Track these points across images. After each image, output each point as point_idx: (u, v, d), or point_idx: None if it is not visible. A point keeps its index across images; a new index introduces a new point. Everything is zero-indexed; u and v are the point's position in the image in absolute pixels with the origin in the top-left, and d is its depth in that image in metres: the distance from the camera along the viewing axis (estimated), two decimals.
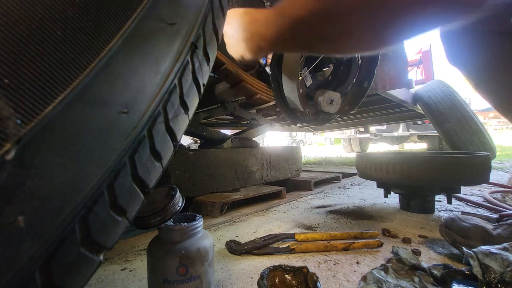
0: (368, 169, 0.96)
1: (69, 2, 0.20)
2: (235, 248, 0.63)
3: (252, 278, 0.51)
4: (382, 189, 1.01)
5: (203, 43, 0.37)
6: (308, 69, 0.82)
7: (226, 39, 0.56)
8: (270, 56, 0.87)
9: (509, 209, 0.94)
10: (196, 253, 0.38)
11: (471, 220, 0.62)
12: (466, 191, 1.28)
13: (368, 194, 1.30)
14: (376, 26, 0.36)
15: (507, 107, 0.61)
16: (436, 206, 0.96)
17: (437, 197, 1.07)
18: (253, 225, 0.85)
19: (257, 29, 0.48)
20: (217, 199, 0.99)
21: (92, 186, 0.22)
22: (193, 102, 0.36)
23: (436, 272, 0.45)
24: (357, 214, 0.95)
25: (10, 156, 0.16)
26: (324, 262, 0.58)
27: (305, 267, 0.43)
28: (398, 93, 1.63)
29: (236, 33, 0.52)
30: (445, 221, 0.64)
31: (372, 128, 4.77)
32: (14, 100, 0.17)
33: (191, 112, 0.35)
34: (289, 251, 0.62)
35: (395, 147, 5.70)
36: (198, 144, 1.41)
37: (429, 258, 0.59)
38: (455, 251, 0.61)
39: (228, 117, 1.57)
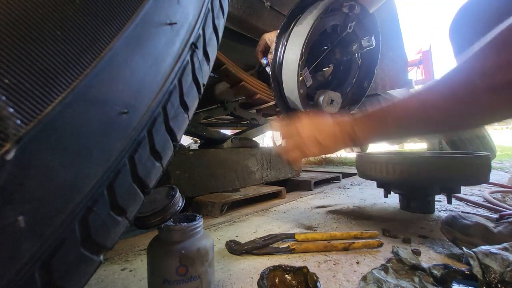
0: (368, 169, 0.96)
1: (69, 2, 0.20)
2: (235, 248, 0.63)
3: (252, 278, 0.51)
4: (382, 189, 1.01)
5: (203, 43, 0.37)
6: (308, 70, 0.82)
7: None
8: (270, 57, 0.87)
9: (509, 209, 0.94)
10: (196, 253, 0.38)
11: (472, 218, 0.62)
12: (466, 191, 1.28)
13: (368, 194, 1.30)
14: None
15: None
16: (436, 206, 0.96)
17: (437, 197, 1.07)
18: (253, 225, 0.85)
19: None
20: (217, 199, 0.99)
21: (92, 186, 0.22)
22: (193, 102, 0.36)
23: (436, 272, 0.45)
24: (357, 214, 0.95)
25: (10, 156, 0.16)
26: (324, 262, 0.58)
27: (305, 267, 0.43)
28: (398, 93, 1.63)
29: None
30: (446, 218, 0.64)
31: None
32: (14, 100, 0.17)
33: (191, 112, 0.35)
34: (289, 251, 0.62)
35: (395, 147, 5.70)
36: (198, 144, 1.41)
37: (429, 258, 0.59)
38: (455, 251, 0.61)
39: (228, 117, 1.57)
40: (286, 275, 0.43)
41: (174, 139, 0.32)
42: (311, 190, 1.43)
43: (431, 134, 0.51)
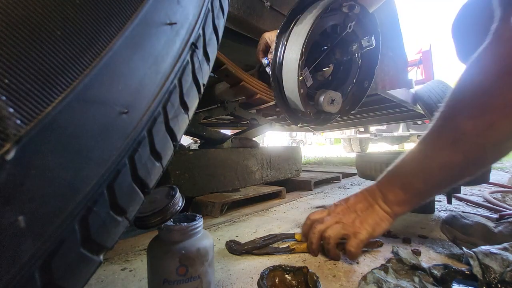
0: (368, 169, 0.96)
1: (69, 2, 0.20)
2: (235, 248, 0.63)
3: (252, 278, 0.51)
4: None
5: (203, 43, 0.37)
6: (308, 69, 0.82)
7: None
8: (270, 56, 0.87)
9: (509, 209, 0.94)
10: (196, 253, 0.38)
11: (472, 218, 0.62)
12: (466, 191, 1.28)
13: None
14: None
15: None
16: (436, 206, 0.96)
17: (437, 197, 1.07)
18: (253, 225, 0.85)
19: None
20: (217, 199, 0.99)
21: (92, 186, 0.22)
22: (193, 102, 0.36)
23: (436, 272, 0.45)
24: None
25: (10, 156, 0.16)
26: (324, 262, 0.58)
27: (305, 267, 0.43)
28: (398, 93, 1.63)
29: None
30: (446, 218, 0.64)
31: (372, 128, 4.78)
32: (14, 100, 0.17)
33: (191, 112, 0.35)
34: (289, 251, 0.62)
35: (395, 147, 5.70)
36: (198, 144, 1.41)
37: (429, 258, 0.59)
38: (455, 251, 0.61)
39: (228, 117, 1.57)
40: (286, 275, 0.43)
41: (174, 139, 0.31)
42: (311, 190, 1.43)
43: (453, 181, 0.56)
